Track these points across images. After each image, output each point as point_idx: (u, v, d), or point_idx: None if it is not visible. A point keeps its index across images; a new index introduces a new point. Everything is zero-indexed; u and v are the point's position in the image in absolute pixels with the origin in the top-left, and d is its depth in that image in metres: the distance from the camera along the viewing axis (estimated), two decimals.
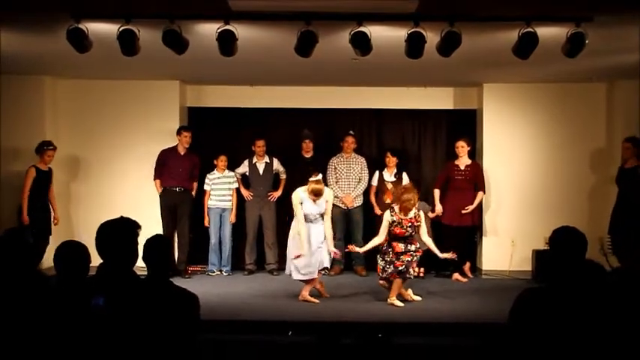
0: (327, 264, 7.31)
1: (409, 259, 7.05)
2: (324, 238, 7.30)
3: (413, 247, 7.11)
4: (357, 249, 7.53)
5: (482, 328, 5.86)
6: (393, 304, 7.01)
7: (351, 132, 9.16)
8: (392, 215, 7.10)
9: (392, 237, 7.13)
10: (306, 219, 7.27)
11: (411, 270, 7.07)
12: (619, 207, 8.10)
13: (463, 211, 8.53)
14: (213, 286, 8.06)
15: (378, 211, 8.82)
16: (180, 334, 3.41)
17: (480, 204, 8.90)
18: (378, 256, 7.25)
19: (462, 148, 8.73)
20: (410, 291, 7.40)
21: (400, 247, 7.08)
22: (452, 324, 6.30)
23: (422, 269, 8.85)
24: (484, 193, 8.84)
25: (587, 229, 3.68)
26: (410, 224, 7.06)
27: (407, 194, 7.08)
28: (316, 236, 7.27)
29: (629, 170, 8.07)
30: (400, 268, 7.02)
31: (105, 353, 3.29)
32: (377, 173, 9.11)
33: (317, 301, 7.16)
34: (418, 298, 7.35)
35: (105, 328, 3.30)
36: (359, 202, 9.08)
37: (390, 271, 7.06)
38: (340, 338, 5.43)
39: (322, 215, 7.32)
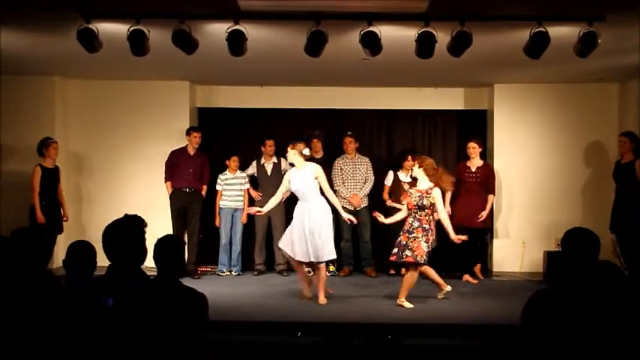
0: (325, 258, 7.15)
1: (405, 242, 6.92)
2: (322, 230, 7.12)
3: (416, 224, 6.93)
4: (382, 219, 7.26)
5: (493, 330, 5.82)
6: (402, 306, 6.95)
7: (349, 132, 9.14)
8: (410, 187, 7.31)
9: (408, 211, 7.11)
10: (298, 197, 7.30)
11: (408, 252, 6.86)
12: (618, 203, 8.06)
13: (479, 219, 8.52)
14: (223, 286, 8.06)
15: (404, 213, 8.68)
16: (188, 334, 3.39)
17: (491, 205, 8.85)
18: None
19: (474, 149, 8.68)
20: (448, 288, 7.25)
21: (409, 221, 7.03)
22: (462, 325, 6.26)
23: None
24: (494, 195, 8.78)
25: (600, 231, 3.65)
26: (419, 194, 7.00)
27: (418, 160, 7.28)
28: (307, 220, 7.09)
29: (625, 165, 8.02)
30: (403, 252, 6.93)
31: (114, 353, 3.28)
32: (391, 173, 9.06)
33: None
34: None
35: (114, 327, 3.29)
36: (366, 202, 9.05)
37: (406, 253, 6.90)
38: (350, 339, 5.41)
39: (312, 194, 7.17)
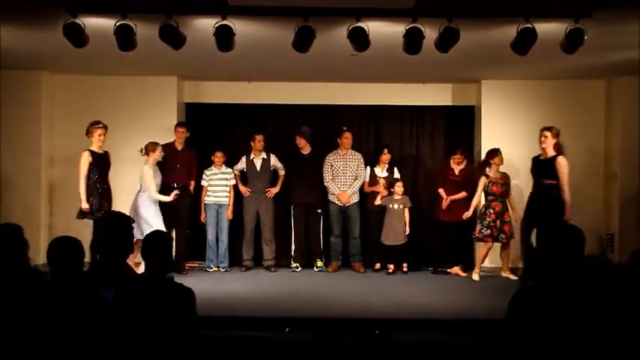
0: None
1: (500, 226, 8.35)
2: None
3: (505, 207, 8.41)
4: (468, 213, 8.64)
5: (479, 325, 5.85)
6: (509, 277, 8.48)
7: (344, 127, 9.13)
8: (487, 178, 8.47)
9: (491, 197, 8.44)
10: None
11: (502, 235, 8.42)
12: (537, 198, 7.85)
13: (464, 217, 8.68)
14: (211, 282, 8.04)
15: (379, 201, 8.92)
16: (176, 328, 3.39)
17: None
18: (477, 218, 8.57)
19: (459, 160, 8.87)
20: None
21: (499, 205, 8.42)
22: (449, 320, 6.28)
23: (392, 266, 8.86)
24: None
25: (585, 227, 3.66)
26: (502, 182, 8.45)
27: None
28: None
29: (545, 161, 7.76)
30: (495, 234, 8.39)
31: (102, 348, 3.27)
32: (368, 169, 9.11)
33: None
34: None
35: (102, 323, 3.28)
36: (355, 198, 9.05)
37: (486, 233, 8.39)
38: (338, 334, 5.42)
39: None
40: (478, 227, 8.50)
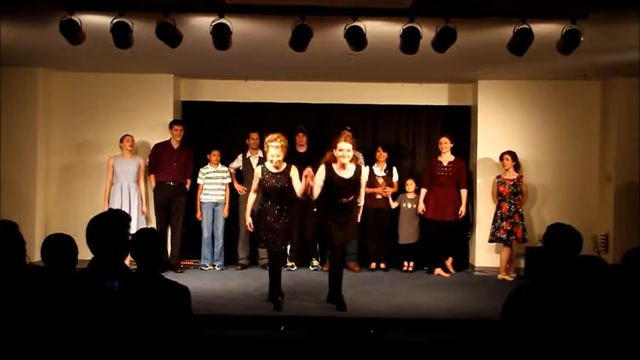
0: None
1: (509, 228, 8.43)
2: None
3: (513, 209, 8.47)
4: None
5: (475, 325, 5.86)
6: (504, 279, 8.42)
7: (348, 128, 9.12)
8: (497, 178, 8.67)
9: (499, 198, 8.60)
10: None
11: (513, 237, 8.43)
12: None
13: (460, 216, 8.78)
14: (206, 280, 8.04)
15: (393, 204, 9.03)
16: (172, 327, 3.39)
17: (466, 199, 8.95)
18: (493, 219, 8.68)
19: (445, 144, 8.81)
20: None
21: (505, 206, 8.53)
22: (445, 320, 6.29)
23: (412, 264, 8.92)
24: (467, 189, 8.92)
25: (580, 227, 3.67)
26: (512, 183, 8.54)
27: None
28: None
29: None
30: (502, 236, 8.47)
31: (97, 347, 3.27)
32: (367, 169, 9.10)
33: None
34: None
35: (97, 321, 3.27)
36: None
37: (498, 236, 8.51)
38: (332, 334, 5.43)
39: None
40: (491, 229, 8.65)
